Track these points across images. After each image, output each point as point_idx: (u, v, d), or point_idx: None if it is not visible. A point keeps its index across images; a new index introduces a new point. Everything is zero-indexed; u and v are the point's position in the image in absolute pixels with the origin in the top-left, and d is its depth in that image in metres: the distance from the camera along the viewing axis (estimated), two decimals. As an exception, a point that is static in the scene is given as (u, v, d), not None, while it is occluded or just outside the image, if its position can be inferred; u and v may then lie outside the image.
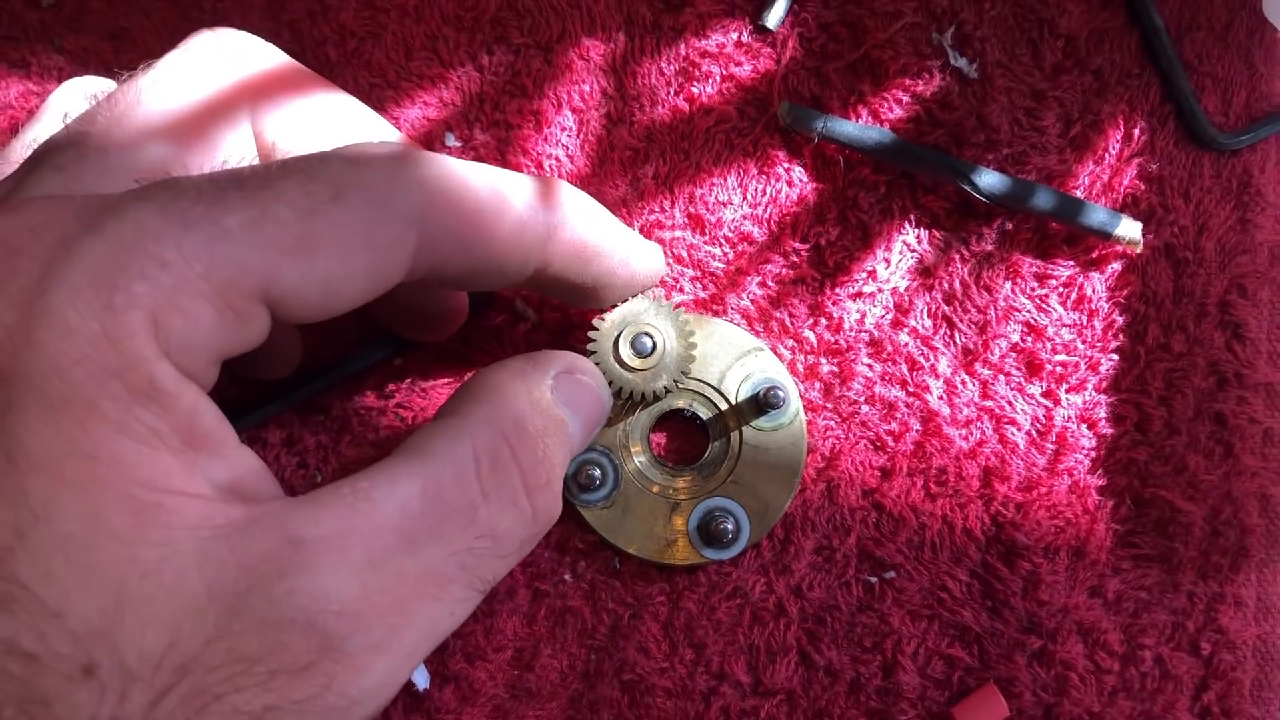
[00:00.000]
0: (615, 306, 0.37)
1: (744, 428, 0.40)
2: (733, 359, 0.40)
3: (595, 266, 0.34)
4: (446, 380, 0.41)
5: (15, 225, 0.24)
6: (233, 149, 0.32)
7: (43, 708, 0.22)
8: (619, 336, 0.38)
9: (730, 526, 0.39)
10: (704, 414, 0.40)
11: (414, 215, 0.28)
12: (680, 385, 0.39)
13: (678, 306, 0.39)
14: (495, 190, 0.30)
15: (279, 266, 0.25)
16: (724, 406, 0.40)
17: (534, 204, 0.31)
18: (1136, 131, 0.41)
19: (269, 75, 0.34)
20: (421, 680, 0.39)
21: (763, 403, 0.39)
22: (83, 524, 0.23)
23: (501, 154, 0.41)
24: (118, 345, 0.23)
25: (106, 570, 0.23)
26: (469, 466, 0.28)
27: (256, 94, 0.33)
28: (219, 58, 0.33)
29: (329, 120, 0.34)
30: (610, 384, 0.38)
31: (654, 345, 0.38)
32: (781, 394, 0.39)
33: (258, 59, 0.34)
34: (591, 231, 0.33)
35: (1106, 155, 0.41)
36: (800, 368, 0.40)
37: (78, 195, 0.26)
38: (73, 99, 0.38)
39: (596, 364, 0.38)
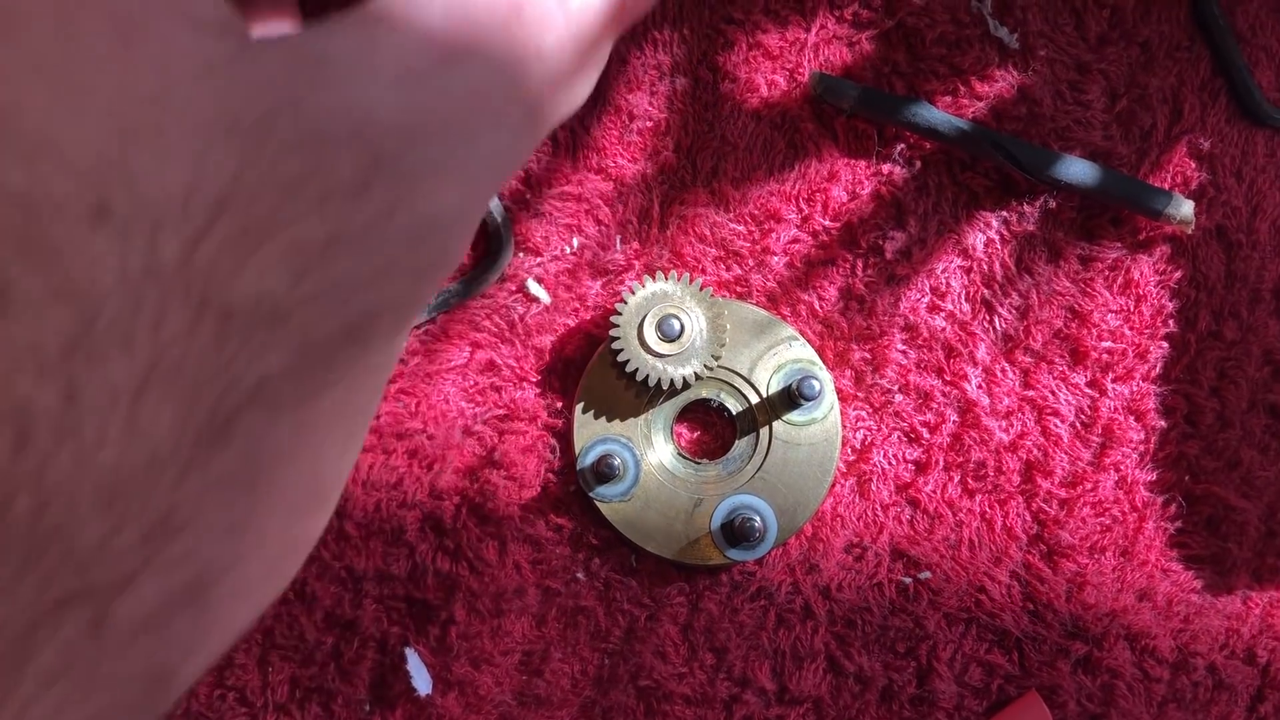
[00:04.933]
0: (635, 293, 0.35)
1: (774, 421, 0.37)
2: (764, 348, 0.37)
3: None
4: (453, 364, 0.38)
5: None
6: None
7: (52, 258, 0.18)
8: (644, 318, 0.36)
9: (757, 525, 0.36)
10: (732, 406, 0.37)
11: None
12: (709, 373, 0.36)
13: (704, 286, 0.36)
14: None
15: None
16: (754, 398, 0.37)
17: None
18: (1186, 107, 0.38)
19: None
20: (423, 685, 0.36)
21: (795, 395, 0.36)
22: (56, 40, 0.19)
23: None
24: None
25: (99, 94, 0.19)
26: None
27: None
28: None
29: None
30: (634, 371, 0.36)
31: (682, 328, 0.36)
32: (816, 385, 0.36)
33: None
34: None
35: (1154, 131, 0.38)
36: (830, 354, 0.38)
37: None
38: None
39: (619, 349, 0.36)
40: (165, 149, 0.19)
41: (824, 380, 0.37)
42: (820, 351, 0.38)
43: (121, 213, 0.19)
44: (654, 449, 0.37)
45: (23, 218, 0.18)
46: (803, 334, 0.38)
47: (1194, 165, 0.38)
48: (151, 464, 0.19)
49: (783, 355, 0.37)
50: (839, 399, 0.38)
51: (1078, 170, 0.37)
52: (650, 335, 0.35)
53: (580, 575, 0.37)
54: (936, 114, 0.37)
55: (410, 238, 0.22)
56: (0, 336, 0.18)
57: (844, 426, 0.38)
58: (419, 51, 0.22)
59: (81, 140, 0.19)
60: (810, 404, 0.37)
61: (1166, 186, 0.38)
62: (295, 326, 0.20)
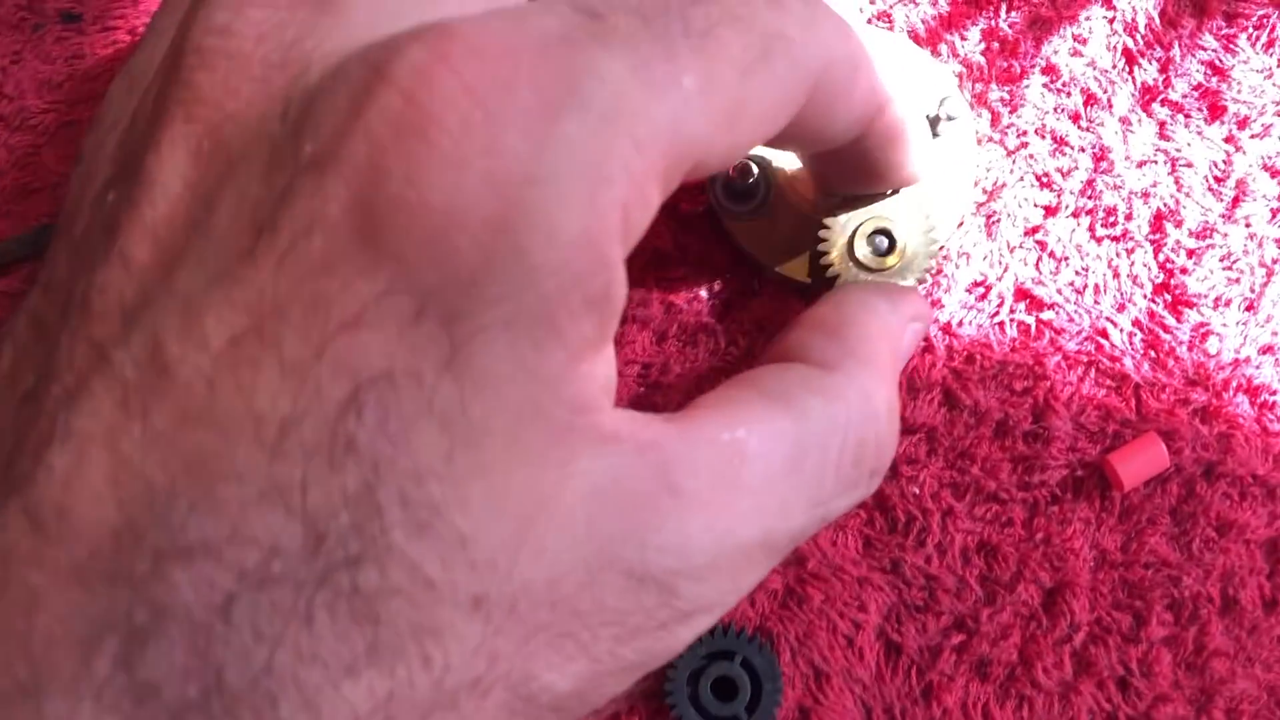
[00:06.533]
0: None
1: (906, 151, 0.37)
2: (908, 75, 0.37)
3: (891, 154, 0.30)
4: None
5: (504, 61, 0.20)
6: None
7: (433, 637, 0.20)
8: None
9: (885, 245, 0.36)
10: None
11: (812, 76, 0.24)
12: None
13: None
14: (861, 51, 0.26)
15: (713, 140, 0.22)
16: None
17: (877, 72, 0.27)
18: (1342, -126, 0.38)
19: None
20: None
21: (934, 122, 0.36)
22: (506, 449, 0.20)
23: None
24: (593, 250, 0.20)
25: (515, 497, 0.20)
26: (835, 444, 0.26)
27: None
28: None
29: None
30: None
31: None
32: (957, 109, 0.36)
33: None
34: (908, 116, 0.29)
35: (1308, -104, 0.38)
36: (967, 95, 0.38)
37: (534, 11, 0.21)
38: None
39: None
40: (540, 550, 0.21)
41: (964, 107, 0.37)
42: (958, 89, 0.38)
43: (492, 602, 0.20)
44: (787, 170, 0.37)
45: (427, 599, 0.20)
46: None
47: (1346, -68, 0.38)
48: None
49: (925, 84, 0.37)
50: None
51: (1232, -79, 0.37)
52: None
53: (703, 294, 0.38)
54: None
55: (663, 658, 0.24)
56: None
57: (976, 167, 0.38)
58: (749, 502, 0.24)
59: (487, 541, 0.20)
60: (949, 132, 0.37)
61: (1316, -49, 0.38)
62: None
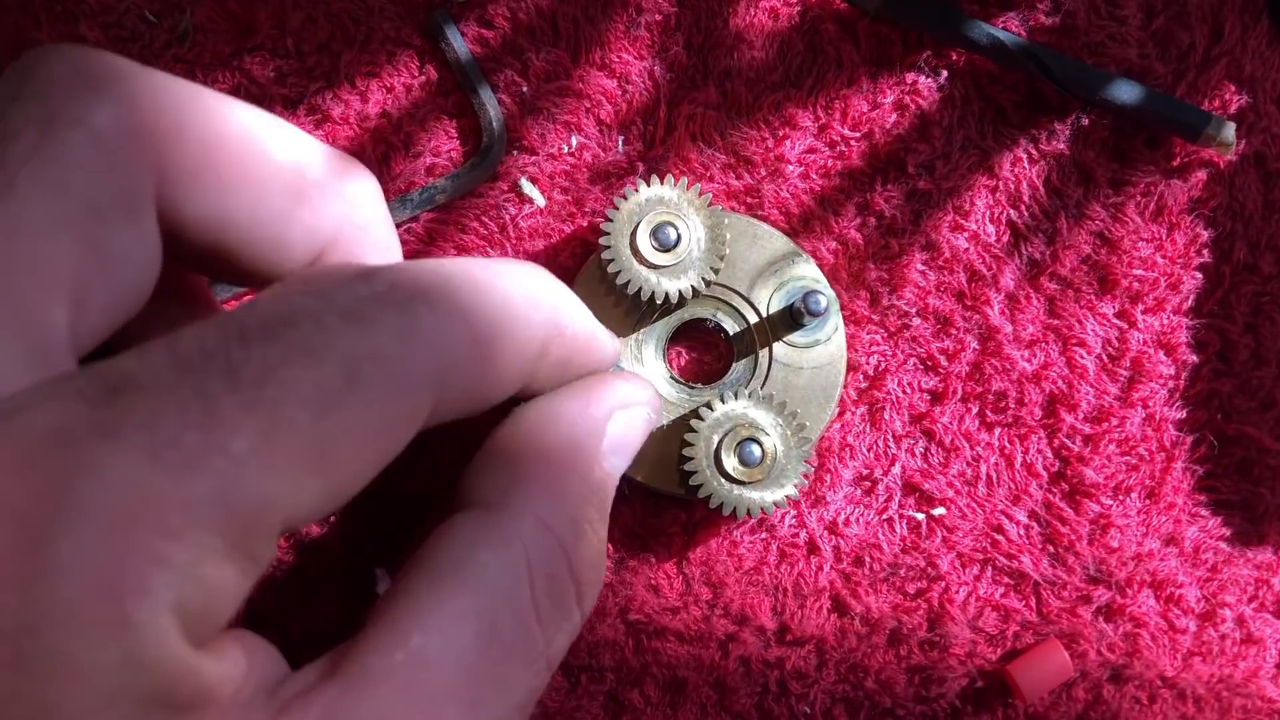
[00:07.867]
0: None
1: (775, 343, 0.34)
2: (766, 263, 0.35)
3: (572, 372, 0.29)
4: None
5: None
6: (139, 268, 0.23)
7: None
8: (638, 225, 0.33)
9: (756, 453, 0.33)
10: (730, 326, 0.35)
11: (430, 382, 0.23)
12: (706, 288, 0.33)
13: (702, 194, 0.33)
14: (502, 320, 0.25)
15: (300, 489, 0.20)
16: (753, 318, 0.35)
17: (535, 324, 0.26)
18: (1226, 27, 0.36)
19: (169, 116, 0.23)
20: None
21: (800, 313, 0.34)
22: None
23: (512, 18, 0.36)
24: (148, 670, 0.18)
25: None
26: (525, 592, 0.24)
27: (159, 154, 0.23)
28: (83, 105, 0.23)
29: (274, 181, 0.25)
30: (625, 283, 0.33)
31: (679, 238, 0.33)
32: (821, 302, 0.33)
33: (147, 94, 0.23)
34: (579, 340, 0.28)
35: (1192, 51, 0.36)
36: (845, 273, 0.35)
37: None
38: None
39: (609, 258, 0.33)
40: None
41: (829, 298, 0.34)
42: (834, 270, 0.35)
43: None
44: (645, 371, 0.34)
45: None
46: (816, 250, 0.35)
47: (1233, 89, 0.36)
48: None
49: (785, 272, 0.34)
50: (853, 322, 0.35)
51: (1114, 86, 0.35)
52: (644, 244, 0.33)
53: (568, 501, 0.35)
54: (967, 21, 0.35)
55: None
56: None
57: (856, 351, 0.35)
58: (450, 704, 0.22)
59: None
60: (814, 324, 0.34)
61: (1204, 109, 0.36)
62: None
